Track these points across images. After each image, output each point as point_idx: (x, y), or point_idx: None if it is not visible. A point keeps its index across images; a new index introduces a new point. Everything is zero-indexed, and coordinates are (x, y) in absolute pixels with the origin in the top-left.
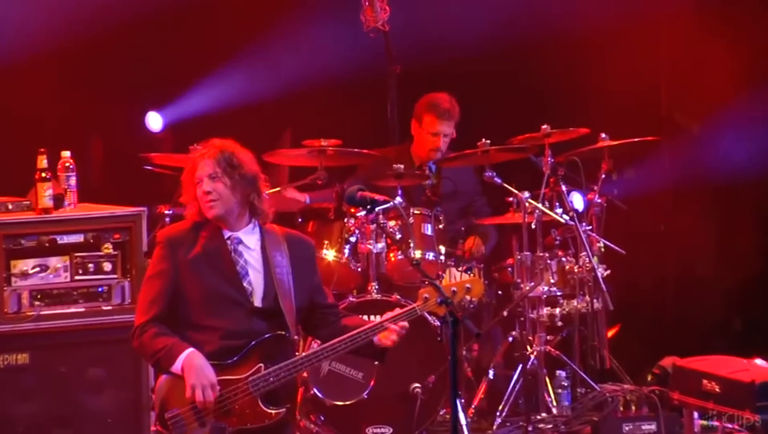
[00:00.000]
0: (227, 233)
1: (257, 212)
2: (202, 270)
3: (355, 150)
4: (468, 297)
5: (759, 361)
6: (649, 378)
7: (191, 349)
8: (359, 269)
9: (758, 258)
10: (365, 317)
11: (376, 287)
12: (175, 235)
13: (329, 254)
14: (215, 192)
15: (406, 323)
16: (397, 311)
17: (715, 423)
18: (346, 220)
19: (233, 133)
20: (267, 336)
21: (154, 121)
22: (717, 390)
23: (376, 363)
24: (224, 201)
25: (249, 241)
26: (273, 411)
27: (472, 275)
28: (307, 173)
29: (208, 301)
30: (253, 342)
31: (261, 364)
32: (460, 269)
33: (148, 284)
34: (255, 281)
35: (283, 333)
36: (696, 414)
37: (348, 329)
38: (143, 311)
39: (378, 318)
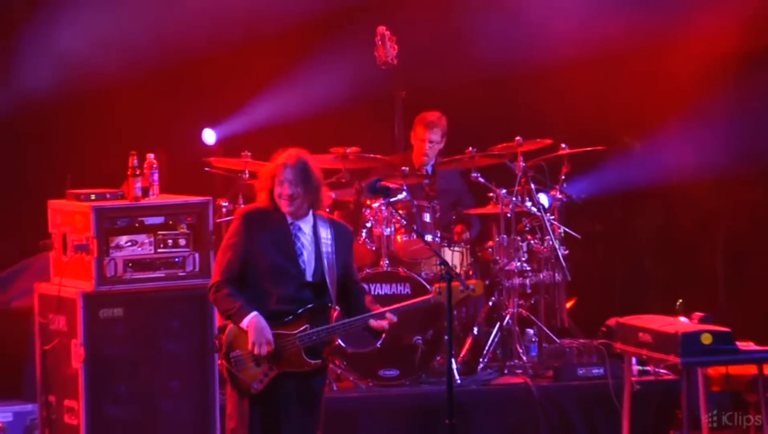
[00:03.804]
0: (290, 220)
1: (315, 208)
2: (269, 247)
3: (371, 155)
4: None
5: (682, 318)
6: (598, 334)
7: (255, 313)
8: (373, 248)
9: (696, 252)
10: (378, 285)
11: (387, 262)
12: (252, 214)
13: None
14: (296, 195)
15: (395, 318)
16: (415, 300)
17: (648, 368)
18: (363, 210)
19: (273, 144)
20: (315, 304)
21: (209, 136)
22: (650, 340)
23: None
24: (296, 202)
25: (305, 227)
26: (312, 361)
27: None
28: (333, 174)
29: (270, 272)
30: (304, 308)
31: (308, 325)
32: (451, 249)
33: (225, 250)
34: (308, 259)
35: (327, 303)
36: (634, 360)
37: (366, 306)
38: (220, 272)
39: (388, 287)
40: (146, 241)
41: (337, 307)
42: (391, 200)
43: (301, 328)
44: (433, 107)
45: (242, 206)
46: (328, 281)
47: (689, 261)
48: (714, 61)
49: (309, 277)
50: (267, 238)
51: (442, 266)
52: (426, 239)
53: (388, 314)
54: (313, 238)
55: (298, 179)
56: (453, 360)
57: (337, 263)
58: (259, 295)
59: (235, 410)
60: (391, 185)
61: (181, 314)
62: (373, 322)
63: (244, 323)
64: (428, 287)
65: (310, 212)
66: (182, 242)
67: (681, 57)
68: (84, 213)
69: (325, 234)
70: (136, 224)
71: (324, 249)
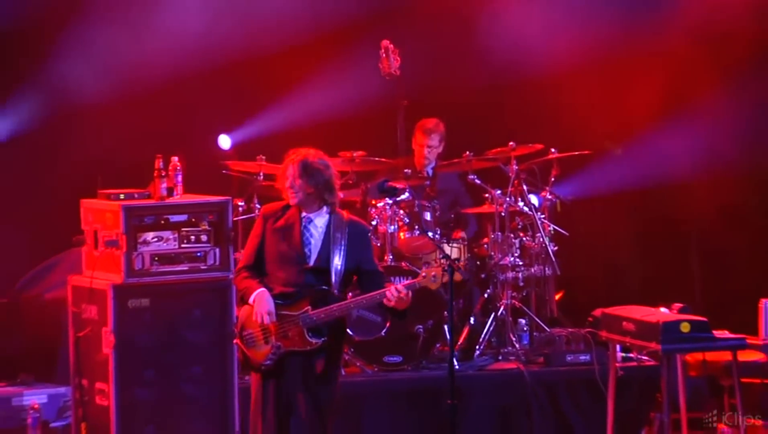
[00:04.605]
0: (303, 214)
1: (327, 203)
2: (279, 237)
3: (376, 159)
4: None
5: (662, 309)
6: (585, 323)
7: (262, 289)
8: (378, 244)
9: (673, 248)
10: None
11: (391, 256)
12: (270, 210)
13: None
14: (295, 187)
15: (407, 292)
16: (406, 282)
17: (631, 355)
18: (369, 209)
19: (286, 149)
20: (317, 289)
21: (224, 141)
22: (633, 329)
23: (397, 318)
24: (300, 194)
25: (318, 221)
26: (314, 340)
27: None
28: (341, 176)
29: (277, 257)
30: (308, 291)
31: (309, 307)
32: (450, 245)
33: (248, 241)
34: (314, 248)
35: (327, 288)
36: (618, 347)
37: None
38: (242, 260)
39: (392, 279)
40: (171, 237)
41: (350, 292)
42: (394, 199)
43: (303, 310)
44: (432, 115)
45: (257, 205)
46: (332, 269)
47: (667, 257)
48: (689, 74)
49: (311, 263)
50: (278, 228)
51: (445, 260)
52: (429, 235)
53: (394, 291)
54: (324, 231)
55: (296, 174)
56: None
57: (348, 256)
58: (269, 279)
59: (253, 386)
60: (396, 186)
61: (203, 305)
62: (385, 299)
63: (251, 298)
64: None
65: (325, 208)
66: (204, 238)
67: (658, 70)
68: (114, 211)
69: (340, 230)
70: (162, 222)
71: (334, 242)
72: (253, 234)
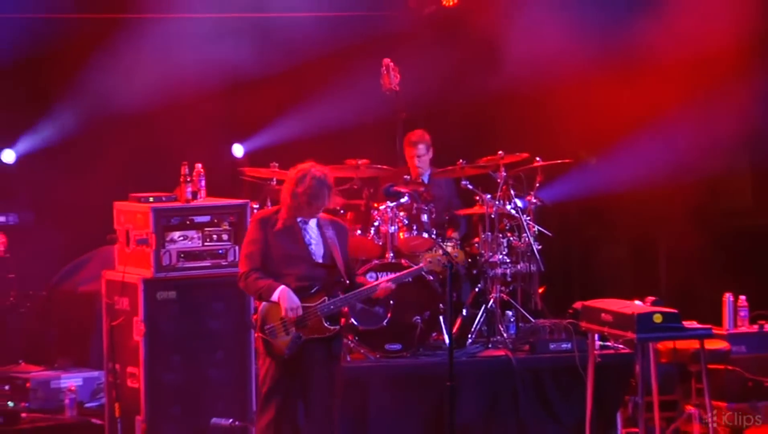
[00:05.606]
0: (298, 218)
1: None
2: (283, 239)
3: (378, 166)
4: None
5: (637, 302)
6: (566, 314)
7: (283, 286)
8: (381, 243)
9: (643, 247)
10: (384, 274)
11: (392, 254)
12: (264, 216)
13: (361, 234)
14: (324, 207)
15: (393, 286)
16: (409, 270)
17: (609, 343)
18: (372, 211)
19: (293, 158)
20: (330, 280)
21: (237, 150)
22: (610, 319)
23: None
24: (318, 210)
25: (311, 223)
26: (331, 327)
27: (456, 249)
28: (347, 181)
29: (286, 258)
30: (321, 284)
31: (326, 297)
32: (444, 244)
33: (247, 246)
34: (316, 246)
35: (339, 278)
36: (597, 337)
37: (357, 282)
38: (245, 263)
39: (393, 275)
40: (195, 236)
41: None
42: (398, 203)
43: (321, 300)
44: (428, 128)
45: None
46: (337, 262)
47: (640, 255)
48: (659, 90)
49: (318, 259)
50: (279, 232)
51: (444, 255)
52: (425, 235)
53: (385, 285)
54: (318, 231)
55: (329, 195)
56: (446, 335)
57: (341, 250)
58: (279, 278)
59: (267, 375)
60: (401, 190)
61: (224, 297)
62: (380, 290)
63: (275, 296)
64: (426, 276)
65: None
66: (225, 237)
67: (633, 86)
68: (144, 213)
69: (328, 229)
70: (187, 222)
71: (329, 239)
72: (253, 239)
